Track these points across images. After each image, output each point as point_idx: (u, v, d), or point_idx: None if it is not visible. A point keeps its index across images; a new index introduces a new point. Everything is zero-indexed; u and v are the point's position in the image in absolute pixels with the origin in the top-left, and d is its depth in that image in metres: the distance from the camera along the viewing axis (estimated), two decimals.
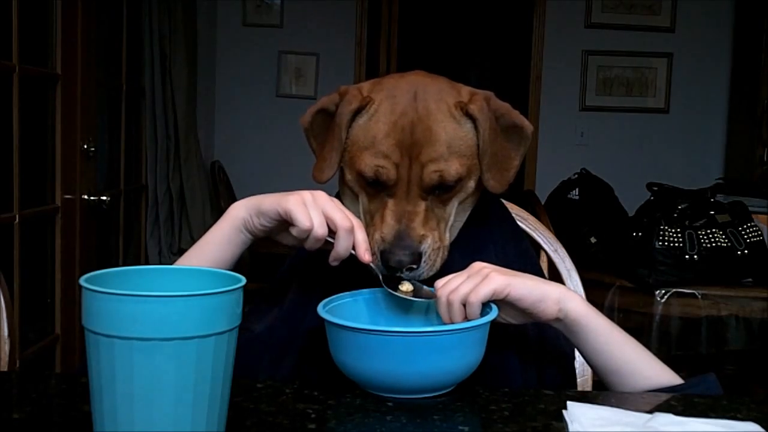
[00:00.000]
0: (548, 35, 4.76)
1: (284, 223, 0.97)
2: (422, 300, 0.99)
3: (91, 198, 2.57)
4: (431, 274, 1.02)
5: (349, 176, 1.07)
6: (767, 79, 4.24)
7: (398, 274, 1.01)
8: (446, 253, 1.05)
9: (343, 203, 1.09)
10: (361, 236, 0.96)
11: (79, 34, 2.45)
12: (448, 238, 1.06)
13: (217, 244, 1.00)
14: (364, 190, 1.06)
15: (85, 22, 2.48)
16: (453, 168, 1.02)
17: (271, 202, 0.97)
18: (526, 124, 1.10)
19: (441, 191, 1.03)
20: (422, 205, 1.02)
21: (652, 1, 4.71)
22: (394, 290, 0.99)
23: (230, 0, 4.60)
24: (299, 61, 4.66)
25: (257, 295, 1.16)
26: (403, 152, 1.01)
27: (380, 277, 1.00)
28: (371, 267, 0.98)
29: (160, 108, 3.48)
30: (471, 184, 1.06)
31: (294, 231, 0.95)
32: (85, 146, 2.52)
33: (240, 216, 1.00)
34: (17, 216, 2.22)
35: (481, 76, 7.47)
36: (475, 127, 1.05)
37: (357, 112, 1.05)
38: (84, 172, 2.53)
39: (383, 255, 1.00)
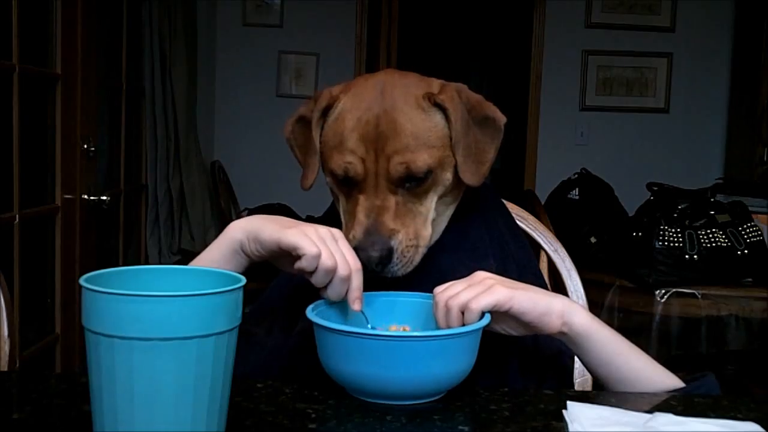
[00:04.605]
0: (548, 35, 4.76)
1: (284, 253, 0.93)
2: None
3: (91, 198, 2.56)
4: (407, 271, 1.01)
5: (328, 179, 1.06)
6: (767, 79, 4.24)
7: (372, 269, 0.97)
8: (425, 249, 1.03)
9: (337, 209, 1.09)
10: (356, 282, 0.92)
11: (79, 34, 2.45)
12: (427, 235, 1.03)
13: (215, 264, 0.97)
14: (341, 190, 1.05)
15: (85, 22, 2.48)
16: (420, 159, 1.00)
17: (270, 233, 0.93)
18: (499, 115, 1.08)
19: (412, 184, 1.01)
20: (392, 200, 1.00)
21: (652, 1, 4.71)
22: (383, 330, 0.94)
23: (230, 0, 4.60)
24: (299, 61, 4.66)
25: (259, 295, 1.15)
26: (368, 146, 1.00)
27: (368, 322, 0.95)
28: (361, 313, 0.94)
29: (160, 108, 3.48)
30: (447, 176, 1.04)
31: (300, 263, 0.90)
32: (85, 146, 2.52)
33: (237, 238, 0.97)
34: (17, 216, 2.21)
35: (481, 76, 7.46)
36: (446, 118, 1.03)
37: (326, 112, 1.06)
38: (84, 172, 2.52)
39: (356, 253, 0.97)
